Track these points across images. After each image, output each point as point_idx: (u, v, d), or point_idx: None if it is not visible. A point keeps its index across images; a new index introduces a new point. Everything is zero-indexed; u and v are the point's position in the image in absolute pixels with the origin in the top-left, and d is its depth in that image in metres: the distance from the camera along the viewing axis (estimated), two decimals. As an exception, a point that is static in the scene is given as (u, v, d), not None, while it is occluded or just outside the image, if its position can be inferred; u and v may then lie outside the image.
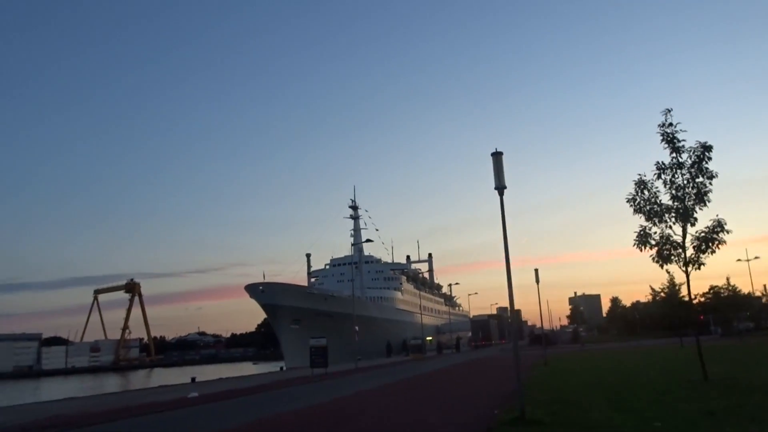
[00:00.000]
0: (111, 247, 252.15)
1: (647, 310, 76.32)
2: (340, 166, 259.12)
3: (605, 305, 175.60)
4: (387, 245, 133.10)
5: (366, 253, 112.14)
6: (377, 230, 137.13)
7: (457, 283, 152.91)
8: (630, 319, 75.30)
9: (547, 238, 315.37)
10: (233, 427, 12.88)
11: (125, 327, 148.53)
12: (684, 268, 16.24)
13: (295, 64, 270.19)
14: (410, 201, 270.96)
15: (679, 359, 29.33)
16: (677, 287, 47.83)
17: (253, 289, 76.72)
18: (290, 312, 76.12)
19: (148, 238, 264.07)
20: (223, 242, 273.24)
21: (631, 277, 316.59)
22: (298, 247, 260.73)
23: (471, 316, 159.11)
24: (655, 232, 16.40)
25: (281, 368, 54.67)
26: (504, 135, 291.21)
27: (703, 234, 15.94)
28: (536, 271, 29.95)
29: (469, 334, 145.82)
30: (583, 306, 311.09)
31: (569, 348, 64.00)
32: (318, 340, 33.72)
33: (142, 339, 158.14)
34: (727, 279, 66.25)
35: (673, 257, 16.20)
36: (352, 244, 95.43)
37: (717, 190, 15.88)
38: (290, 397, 21.39)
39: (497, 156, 11.57)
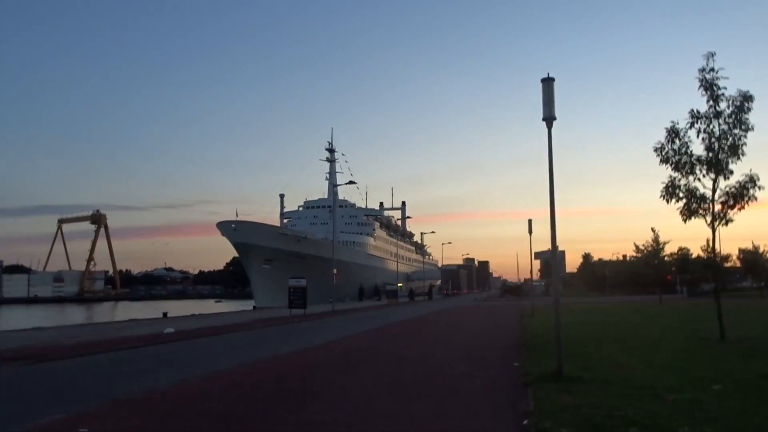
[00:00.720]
0: (77, 176, 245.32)
1: (617, 267, 78.02)
2: (317, 109, 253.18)
3: (570, 261, 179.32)
4: (361, 191, 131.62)
5: (340, 197, 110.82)
6: (352, 175, 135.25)
7: (433, 232, 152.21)
8: (599, 275, 76.58)
9: (523, 191, 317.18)
10: (233, 366, 11.77)
11: (90, 258, 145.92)
12: (711, 224, 15.36)
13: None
14: (386, 148, 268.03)
15: (669, 316, 29.17)
16: (662, 246, 48.07)
17: (225, 227, 75.21)
18: (262, 252, 75.09)
19: (116, 169, 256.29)
20: (193, 179, 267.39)
21: (597, 235, 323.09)
22: (269, 189, 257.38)
23: (440, 266, 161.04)
24: (684, 185, 15.40)
25: (253, 307, 53.79)
26: (488, 90, 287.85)
27: (733, 189, 15.02)
28: (530, 222, 28.77)
29: (438, 282, 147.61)
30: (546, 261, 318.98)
31: (543, 300, 64.77)
32: (297, 280, 32.70)
33: (107, 271, 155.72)
34: (752, 242, 67.36)
35: (700, 212, 15.29)
36: (334, 185, 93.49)
37: (753, 144, 14.87)
38: (281, 336, 20.45)
39: (548, 82, 10.16)
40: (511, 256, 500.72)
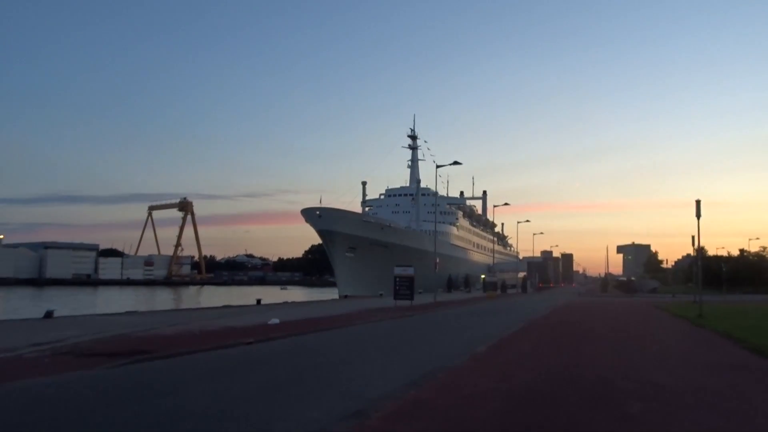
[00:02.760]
0: (167, 166, 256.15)
1: (734, 264, 71.08)
2: (398, 98, 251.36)
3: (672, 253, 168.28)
4: (443, 179, 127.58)
5: (422, 185, 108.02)
6: (435, 162, 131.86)
7: (527, 221, 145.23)
8: (715, 272, 70.13)
9: (598, 184, 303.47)
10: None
11: (178, 244, 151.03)
12: None
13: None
14: (466, 136, 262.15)
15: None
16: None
17: (310, 214, 74.12)
18: (346, 239, 73.66)
19: (202, 159, 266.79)
20: (274, 168, 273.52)
21: (668, 230, 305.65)
22: (350, 179, 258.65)
23: (520, 257, 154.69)
24: None
25: (344, 296, 51.84)
26: (569, 78, 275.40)
27: None
28: (698, 202, 23.62)
29: (521, 275, 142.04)
30: (632, 255, 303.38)
31: (657, 298, 59.41)
32: (405, 269, 30.09)
33: (193, 257, 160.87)
34: None
35: None
36: (414, 174, 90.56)
37: None
38: (419, 331, 17.65)
39: None
40: (586, 249, 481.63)
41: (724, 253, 79.67)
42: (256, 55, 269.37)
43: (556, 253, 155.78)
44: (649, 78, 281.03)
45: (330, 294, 69.36)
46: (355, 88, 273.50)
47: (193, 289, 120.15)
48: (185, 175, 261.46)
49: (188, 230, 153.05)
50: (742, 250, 77.23)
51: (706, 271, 69.81)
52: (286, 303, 37.19)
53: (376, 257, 75.06)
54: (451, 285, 78.15)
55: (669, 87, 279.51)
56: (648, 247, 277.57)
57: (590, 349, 13.99)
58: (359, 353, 12.52)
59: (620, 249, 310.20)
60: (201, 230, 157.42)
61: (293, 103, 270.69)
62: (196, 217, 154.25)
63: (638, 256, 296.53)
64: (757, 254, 72.63)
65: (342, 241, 73.39)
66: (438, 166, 37.31)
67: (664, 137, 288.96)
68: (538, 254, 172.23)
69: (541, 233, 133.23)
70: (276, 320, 19.33)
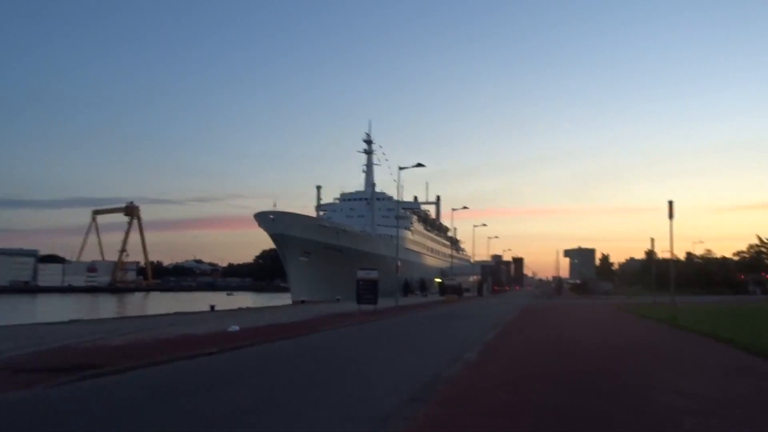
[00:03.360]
0: (111, 169, 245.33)
1: (681, 267, 73.67)
2: (353, 105, 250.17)
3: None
4: (398, 184, 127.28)
5: (377, 190, 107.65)
6: (390, 167, 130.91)
7: (483, 224, 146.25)
8: (662, 274, 72.02)
9: (538, 190, 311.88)
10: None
11: (123, 249, 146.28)
12: None
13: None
14: (421, 142, 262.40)
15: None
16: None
17: (263, 218, 72.24)
18: (300, 243, 72.11)
19: (148, 163, 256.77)
20: (225, 172, 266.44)
21: (612, 234, 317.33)
22: (302, 183, 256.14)
23: (472, 261, 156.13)
24: None
25: (301, 301, 50.11)
26: (522, 84, 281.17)
27: None
28: (670, 203, 23.71)
29: (474, 279, 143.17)
30: (578, 259, 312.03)
31: (613, 300, 60.22)
32: (368, 272, 28.98)
33: (139, 263, 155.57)
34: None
35: None
36: (369, 178, 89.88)
37: None
38: (392, 337, 16.60)
39: None
40: (535, 253, 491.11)
41: (672, 256, 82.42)
42: (207, 57, 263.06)
43: (507, 257, 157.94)
44: (597, 85, 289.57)
45: (281, 300, 67.71)
46: (309, 92, 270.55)
47: (138, 295, 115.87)
48: (133, 179, 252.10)
49: (135, 235, 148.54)
50: (689, 253, 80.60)
51: (657, 274, 72.37)
52: (241, 309, 35.53)
53: (331, 262, 73.97)
54: (407, 289, 77.62)
55: (615, 93, 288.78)
56: (593, 250, 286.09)
57: (586, 356, 13.22)
58: (340, 362, 11.45)
59: (567, 253, 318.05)
60: (148, 235, 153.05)
61: (246, 107, 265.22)
62: (143, 221, 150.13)
63: (583, 259, 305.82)
64: (702, 257, 75.78)
65: (296, 246, 71.90)
66: (401, 168, 36.47)
67: (610, 144, 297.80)
68: (489, 258, 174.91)
69: (496, 237, 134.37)
70: (236, 327, 18.04)
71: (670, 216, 24.12)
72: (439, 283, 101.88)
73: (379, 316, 24.91)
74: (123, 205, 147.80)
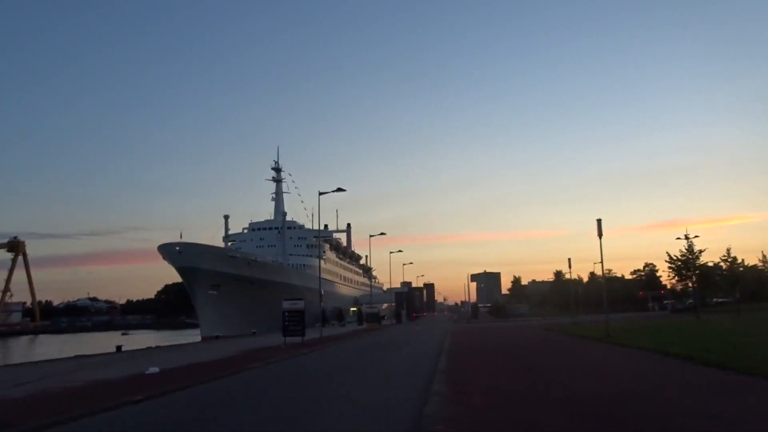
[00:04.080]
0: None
1: (579, 288, 77.45)
2: (259, 132, 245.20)
3: (505, 284, 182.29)
4: (308, 212, 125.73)
5: (288, 218, 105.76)
6: (300, 195, 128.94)
7: (400, 251, 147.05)
8: (566, 295, 75.20)
9: (446, 217, 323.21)
10: None
11: (6, 289, 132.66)
12: None
13: (217, 12, 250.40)
14: (331, 170, 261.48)
15: (718, 333, 25.81)
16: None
17: (169, 250, 68.14)
18: (209, 276, 68.55)
19: (35, 194, 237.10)
20: (120, 203, 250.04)
21: (513, 258, 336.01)
22: (207, 213, 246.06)
23: (385, 289, 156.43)
24: None
25: (216, 336, 47.07)
26: (429, 113, 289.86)
27: None
28: (599, 221, 24.13)
29: (384, 306, 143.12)
30: (484, 283, 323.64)
31: (530, 321, 61.42)
32: (294, 302, 27.47)
33: (25, 303, 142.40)
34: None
35: None
36: (279, 207, 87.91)
37: None
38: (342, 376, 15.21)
39: None
40: (444, 279, 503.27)
41: (575, 277, 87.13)
42: (98, 80, 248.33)
43: (418, 283, 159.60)
44: (496, 115, 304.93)
45: (188, 336, 63.63)
46: (212, 118, 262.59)
47: (24, 338, 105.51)
48: (16, 211, 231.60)
49: (20, 273, 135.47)
50: (592, 273, 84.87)
51: (564, 295, 75.60)
52: (150, 348, 32.68)
53: (243, 294, 70.97)
54: (325, 318, 75.72)
55: (515, 125, 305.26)
56: (498, 274, 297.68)
57: (550, 375, 12.72)
58: (287, 404, 10.19)
59: (474, 277, 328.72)
60: (35, 273, 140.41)
61: (139, 133, 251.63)
62: (29, 257, 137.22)
63: (489, 283, 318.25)
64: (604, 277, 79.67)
65: (205, 278, 68.22)
66: (321, 193, 35.24)
67: (509, 173, 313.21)
68: (399, 285, 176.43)
69: (411, 263, 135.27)
70: (155, 369, 16.17)
71: (599, 234, 24.78)
72: (356, 311, 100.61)
73: (309, 349, 23.52)
74: (5, 240, 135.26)
